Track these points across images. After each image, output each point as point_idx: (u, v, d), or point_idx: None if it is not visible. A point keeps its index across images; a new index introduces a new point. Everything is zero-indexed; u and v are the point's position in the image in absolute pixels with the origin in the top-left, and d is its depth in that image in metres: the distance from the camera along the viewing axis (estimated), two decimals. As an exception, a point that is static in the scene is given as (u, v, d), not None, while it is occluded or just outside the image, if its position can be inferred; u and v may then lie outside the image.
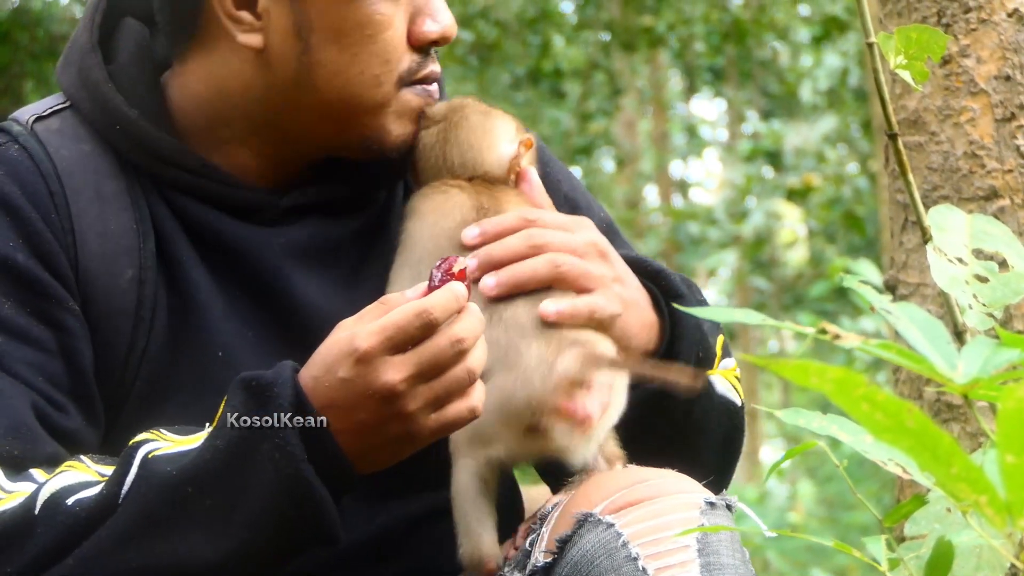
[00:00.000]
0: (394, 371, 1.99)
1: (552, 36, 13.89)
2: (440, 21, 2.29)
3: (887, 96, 2.29)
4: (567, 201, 2.50)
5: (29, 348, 2.17)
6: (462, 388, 2.04)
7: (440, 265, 2.07)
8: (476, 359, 2.04)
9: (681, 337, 2.30)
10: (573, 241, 2.24)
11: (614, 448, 2.28)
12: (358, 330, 2.01)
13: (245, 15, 2.27)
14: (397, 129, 2.33)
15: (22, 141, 2.28)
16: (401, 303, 2.02)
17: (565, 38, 14.42)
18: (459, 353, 2.01)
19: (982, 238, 2.10)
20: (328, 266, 2.36)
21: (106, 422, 2.25)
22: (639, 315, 2.29)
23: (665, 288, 2.34)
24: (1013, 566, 1.84)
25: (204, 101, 2.34)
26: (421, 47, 2.30)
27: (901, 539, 2.02)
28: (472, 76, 13.27)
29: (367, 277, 2.37)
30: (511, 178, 2.38)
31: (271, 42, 2.28)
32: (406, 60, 2.29)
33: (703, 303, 2.41)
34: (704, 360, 2.33)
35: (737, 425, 2.41)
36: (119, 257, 2.25)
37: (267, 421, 1.99)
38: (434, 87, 2.36)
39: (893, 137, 2.33)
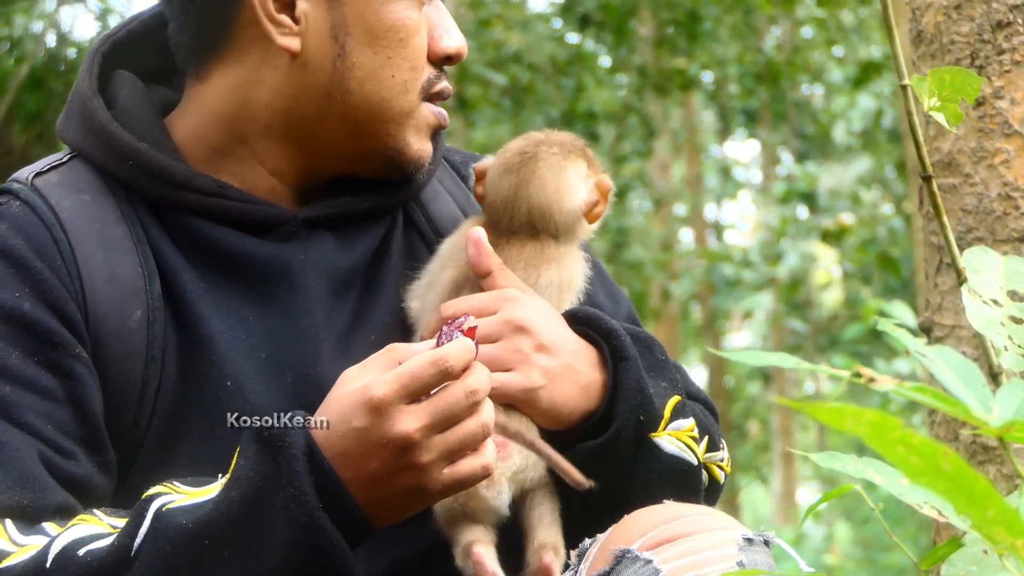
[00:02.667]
0: (410, 420, 1.99)
1: (585, 79, 13.91)
2: (455, 38, 2.40)
3: (921, 138, 2.29)
4: None
5: (37, 397, 2.18)
6: (476, 442, 2.04)
7: (452, 323, 2.07)
8: (489, 414, 2.05)
9: (620, 400, 2.28)
10: (487, 326, 2.26)
11: (554, 538, 2.31)
12: (372, 379, 2.01)
13: (285, 18, 2.32)
14: (416, 143, 2.39)
15: (23, 196, 2.32)
16: (408, 353, 2.03)
17: (597, 81, 14.44)
18: (473, 405, 2.02)
19: (1017, 280, 2.10)
20: (342, 288, 2.39)
21: (123, 464, 2.27)
22: (571, 380, 2.29)
23: (614, 348, 2.32)
24: (1050, 609, 1.84)
25: (223, 119, 2.38)
26: (436, 62, 2.38)
27: (938, 582, 2.02)
28: (507, 118, 13.28)
29: (375, 299, 2.40)
30: (589, 224, 2.45)
31: (308, 46, 2.34)
32: (427, 71, 2.37)
33: (663, 362, 2.38)
34: (646, 423, 2.29)
35: (692, 484, 2.37)
36: (127, 299, 2.27)
37: (280, 472, 1.99)
38: (444, 112, 2.44)
39: (927, 179, 2.32)
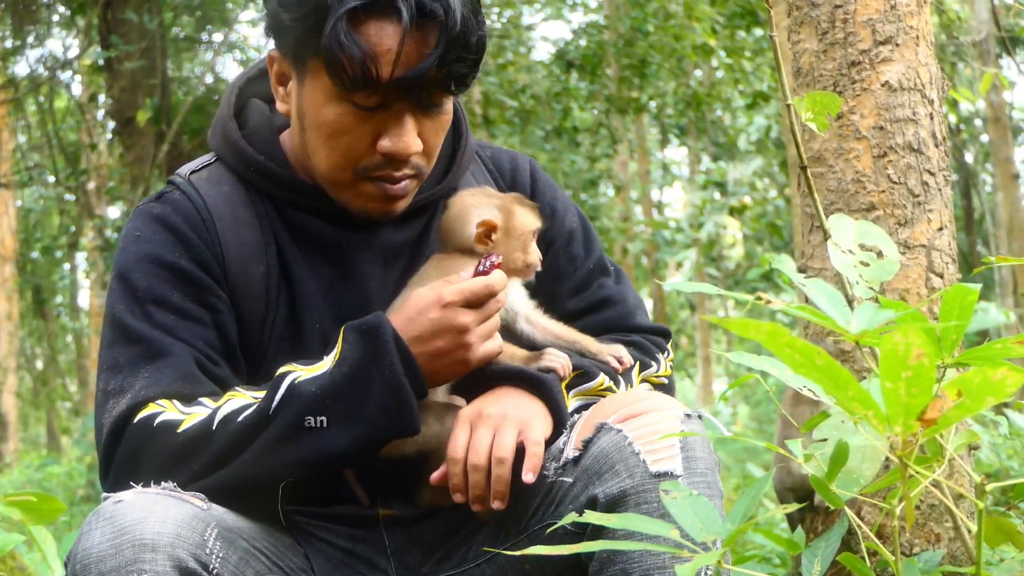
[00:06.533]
0: (465, 316, 2.13)
1: (570, 104, 13.85)
2: (393, 142, 2.19)
3: (800, 140, 2.27)
4: (548, 206, 2.48)
5: (192, 323, 2.22)
6: (496, 330, 2.21)
7: (487, 258, 2.22)
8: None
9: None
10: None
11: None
12: (443, 289, 2.13)
13: (281, 90, 2.30)
14: (357, 203, 2.28)
15: (182, 188, 2.34)
16: (459, 281, 2.16)
17: (579, 106, 14.38)
18: (498, 308, 2.19)
19: (865, 236, 2.09)
20: (390, 263, 2.36)
21: (251, 370, 2.29)
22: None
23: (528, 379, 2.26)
24: (888, 458, 1.81)
25: (296, 147, 2.36)
26: (384, 154, 2.20)
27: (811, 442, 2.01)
28: (517, 132, 13.23)
29: (417, 266, 2.35)
30: (479, 247, 2.31)
31: (291, 115, 2.30)
32: (367, 159, 2.21)
33: (556, 383, 2.27)
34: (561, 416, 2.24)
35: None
36: (252, 260, 2.29)
37: (375, 351, 2.09)
38: (399, 185, 2.25)
39: (804, 169, 2.31)
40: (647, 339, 2.46)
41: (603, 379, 2.30)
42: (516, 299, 2.35)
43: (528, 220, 2.33)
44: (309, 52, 2.15)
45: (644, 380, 2.40)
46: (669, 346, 2.51)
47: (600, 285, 2.50)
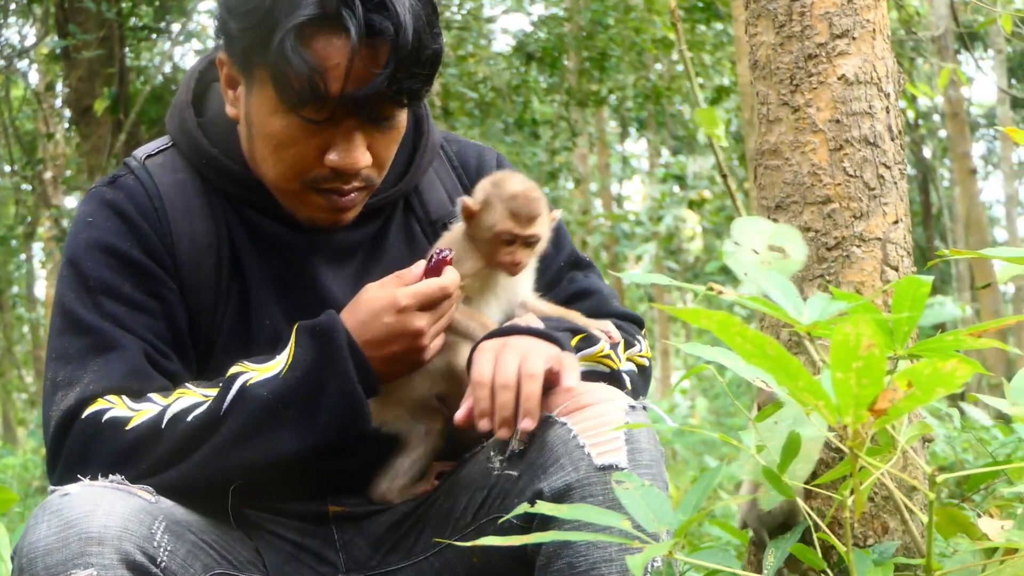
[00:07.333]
0: (420, 320, 2.13)
1: (530, 97, 13.85)
2: (341, 157, 2.16)
3: (717, 149, 2.27)
4: None
5: (143, 315, 2.20)
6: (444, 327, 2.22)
7: (438, 252, 2.20)
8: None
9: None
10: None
11: None
12: (398, 292, 2.12)
13: (231, 94, 2.26)
14: (304, 212, 2.27)
15: (136, 173, 2.32)
16: (411, 277, 2.16)
17: (539, 99, 14.39)
18: (450, 307, 2.20)
19: (778, 238, 2.15)
20: (344, 262, 2.34)
21: (201, 363, 2.27)
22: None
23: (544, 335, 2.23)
24: (838, 450, 1.81)
25: (247, 150, 2.32)
26: (332, 168, 2.17)
27: (765, 433, 2.01)
28: (477, 124, 13.21)
29: (371, 272, 2.33)
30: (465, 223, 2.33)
31: (240, 118, 2.27)
32: (315, 171, 2.18)
33: (572, 329, 2.28)
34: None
35: (615, 380, 2.32)
36: (203, 252, 2.27)
37: (328, 355, 2.09)
38: (347, 197, 2.23)
39: (725, 177, 2.33)
40: (625, 324, 2.47)
41: (603, 345, 2.31)
42: (523, 287, 2.37)
43: (495, 221, 2.27)
44: (256, 62, 2.13)
45: (629, 359, 2.40)
46: (643, 333, 2.52)
47: (571, 279, 2.50)
